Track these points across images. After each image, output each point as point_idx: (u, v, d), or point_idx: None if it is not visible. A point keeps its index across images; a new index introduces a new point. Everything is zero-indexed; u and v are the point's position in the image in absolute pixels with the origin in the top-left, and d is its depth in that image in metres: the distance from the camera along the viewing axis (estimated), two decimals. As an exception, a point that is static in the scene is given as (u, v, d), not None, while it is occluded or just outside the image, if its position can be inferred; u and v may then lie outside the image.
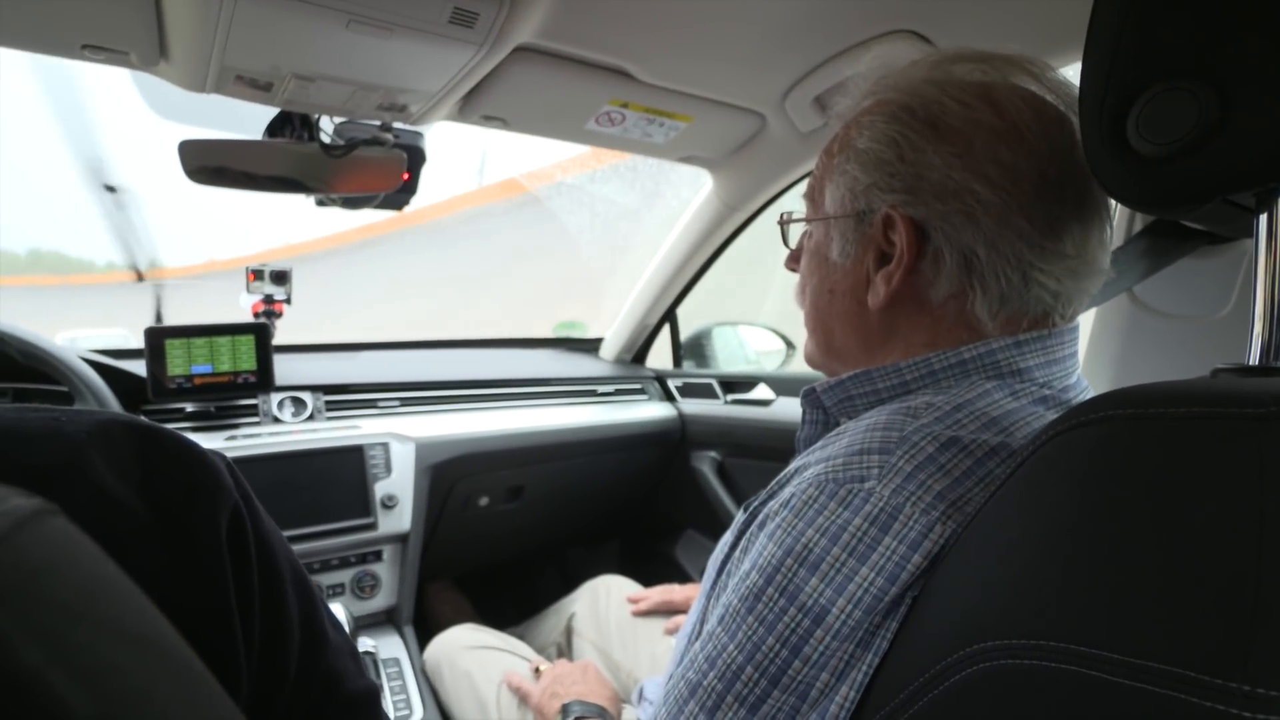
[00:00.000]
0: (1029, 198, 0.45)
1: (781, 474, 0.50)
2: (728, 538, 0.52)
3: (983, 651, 0.32)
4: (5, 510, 0.16)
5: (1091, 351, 0.83)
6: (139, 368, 1.20)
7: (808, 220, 0.59)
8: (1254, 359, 0.37)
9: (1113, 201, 0.47)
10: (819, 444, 0.49)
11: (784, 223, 0.63)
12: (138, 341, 1.23)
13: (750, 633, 0.41)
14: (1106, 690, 0.27)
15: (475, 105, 0.99)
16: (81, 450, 0.38)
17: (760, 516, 0.47)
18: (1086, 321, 0.83)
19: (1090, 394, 0.52)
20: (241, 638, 0.42)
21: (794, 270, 0.62)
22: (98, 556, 0.18)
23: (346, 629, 0.73)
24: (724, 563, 0.50)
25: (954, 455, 0.41)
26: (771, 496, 0.48)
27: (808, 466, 0.46)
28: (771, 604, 0.41)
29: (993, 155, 0.46)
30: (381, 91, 0.88)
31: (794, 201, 1.43)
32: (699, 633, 0.49)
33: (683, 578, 1.66)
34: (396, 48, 0.77)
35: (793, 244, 0.63)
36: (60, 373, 1.06)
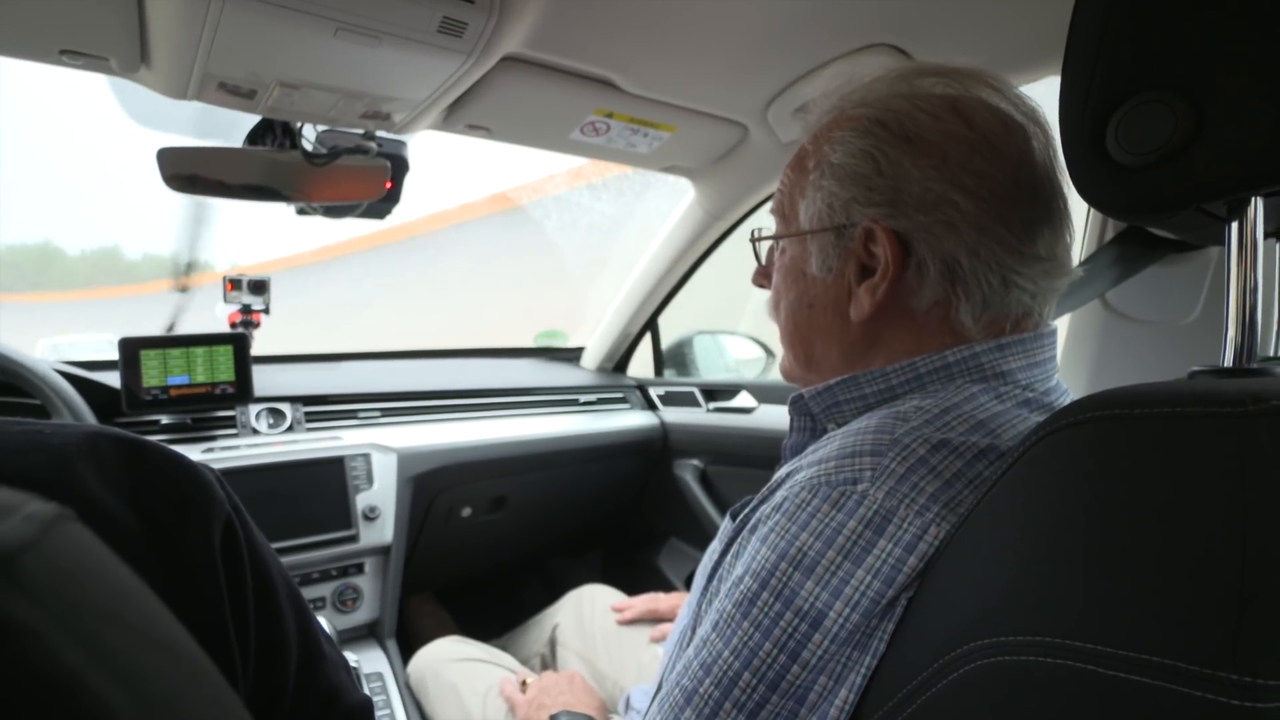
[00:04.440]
0: (1005, 205, 0.47)
1: (771, 480, 0.50)
2: (716, 545, 0.53)
3: (979, 649, 0.33)
4: (29, 514, 0.15)
5: (1067, 356, 0.85)
6: (114, 379, 1.17)
7: (781, 237, 0.59)
8: (1228, 361, 0.39)
9: (1085, 208, 0.49)
10: (809, 450, 0.50)
11: (756, 240, 0.63)
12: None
13: (746, 638, 0.42)
14: (1101, 683, 0.28)
15: (460, 114, 0.99)
16: (70, 462, 0.37)
17: (751, 521, 0.47)
18: (1062, 327, 0.86)
19: (1070, 397, 0.54)
20: (237, 651, 0.41)
21: (762, 286, 0.63)
22: (116, 561, 0.18)
23: (335, 642, 0.72)
24: (714, 569, 0.50)
25: (945, 457, 0.42)
26: (763, 501, 0.48)
27: (799, 471, 0.46)
28: (767, 609, 0.41)
29: (968, 165, 0.47)
30: (366, 100, 0.88)
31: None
32: (690, 639, 0.49)
33: (667, 586, 1.66)
34: (384, 56, 0.77)
35: (765, 259, 0.63)
36: (34, 385, 1.03)
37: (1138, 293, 0.79)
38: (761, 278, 0.63)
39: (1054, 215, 0.49)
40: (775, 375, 1.83)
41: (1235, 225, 0.38)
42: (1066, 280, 0.52)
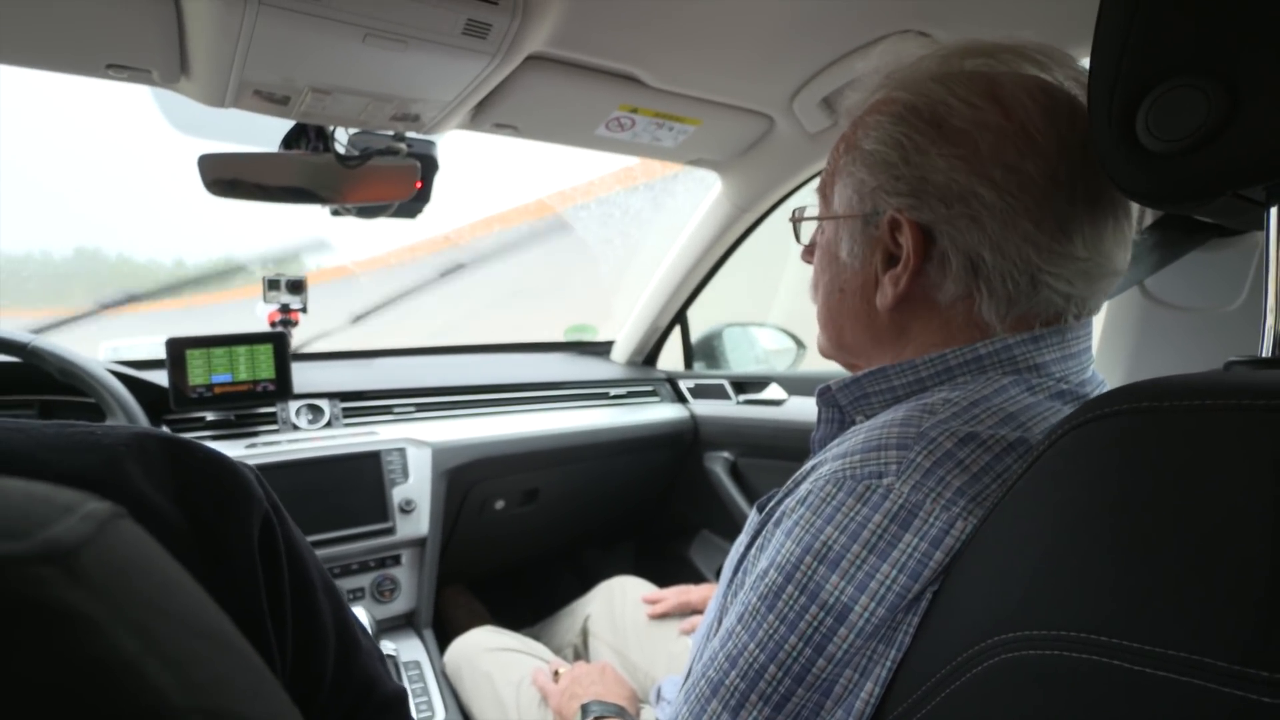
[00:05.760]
0: (1036, 200, 0.45)
1: (797, 473, 0.50)
2: (743, 538, 0.53)
3: (1004, 643, 0.33)
4: (87, 512, 0.17)
5: (1104, 345, 0.83)
6: (162, 378, 1.22)
7: (817, 219, 0.59)
8: (1266, 351, 0.37)
9: None
10: (835, 442, 0.50)
11: (796, 220, 0.63)
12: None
13: (772, 631, 0.42)
14: (1129, 679, 0.28)
15: (487, 114, 1.01)
16: (120, 462, 0.39)
17: (777, 514, 0.47)
18: (1098, 316, 0.83)
19: (1105, 388, 0.52)
20: (275, 644, 0.43)
21: (809, 262, 0.62)
22: (166, 556, 0.19)
23: (370, 633, 0.75)
24: (740, 561, 0.50)
25: (972, 451, 0.41)
26: (788, 494, 0.48)
27: (824, 463, 0.46)
28: (792, 602, 0.41)
29: (999, 157, 0.45)
30: (396, 102, 0.90)
31: (803, 200, 1.43)
32: (717, 631, 0.50)
33: (697, 578, 1.67)
34: (411, 59, 0.79)
35: (805, 238, 0.63)
36: (91, 387, 1.08)
37: (1178, 279, 0.77)
38: (807, 254, 0.63)
39: (1098, 209, 0.47)
40: (805, 367, 1.81)
41: (1275, 210, 0.37)
42: (1112, 281, 0.50)
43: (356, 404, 1.41)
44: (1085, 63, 0.41)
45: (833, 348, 0.59)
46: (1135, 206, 0.80)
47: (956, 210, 0.46)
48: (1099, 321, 0.83)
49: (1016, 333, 0.48)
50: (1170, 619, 0.28)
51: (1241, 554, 0.27)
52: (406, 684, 1.17)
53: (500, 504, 1.54)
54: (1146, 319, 0.79)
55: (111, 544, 0.17)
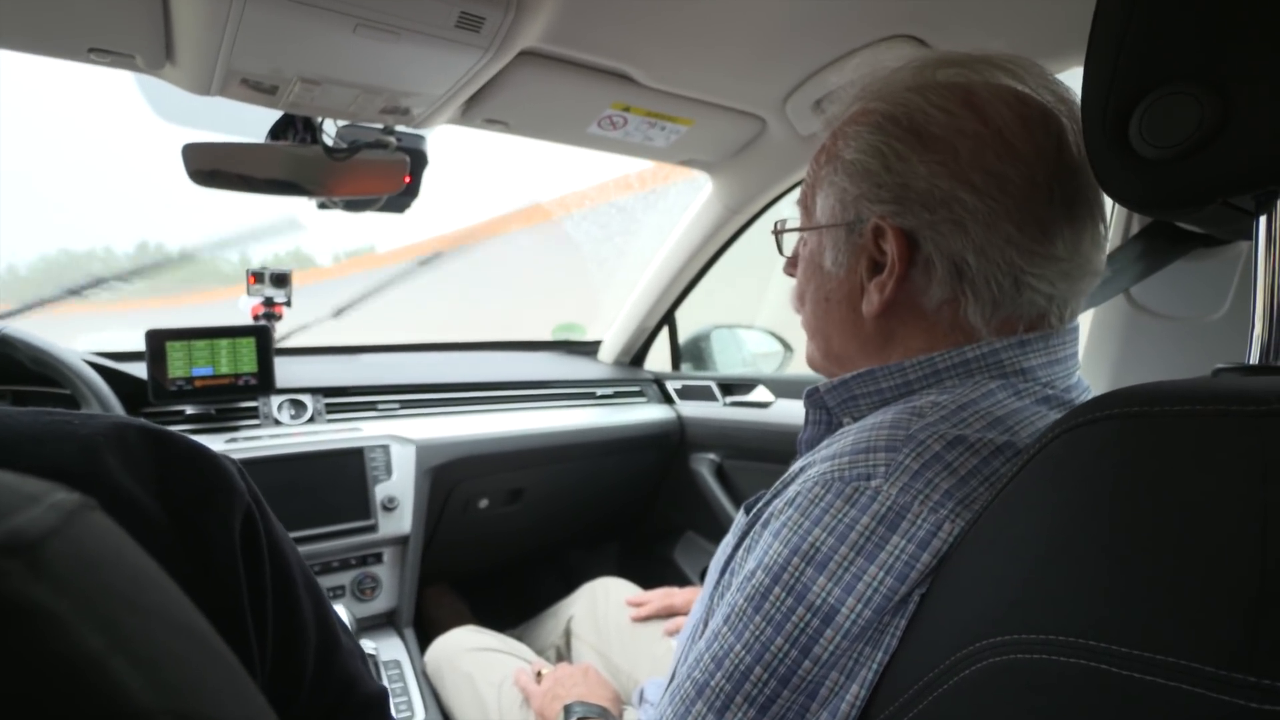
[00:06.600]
0: (1017, 203, 0.46)
1: (785, 474, 0.50)
2: (730, 539, 0.53)
3: (992, 647, 0.33)
4: (54, 503, 0.16)
5: (1090, 352, 0.84)
6: (141, 370, 1.20)
7: (799, 230, 0.59)
8: (1254, 358, 0.38)
9: (1110, 203, 0.48)
10: (823, 444, 0.50)
11: (778, 232, 0.63)
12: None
13: (758, 632, 0.42)
14: (1116, 683, 0.28)
15: (478, 109, 1.00)
16: (98, 452, 0.38)
17: (764, 516, 0.47)
18: (1085, 322, 0.84)
19: (1091, 394, 0.53)
20: (254, 640, 0.42)
21: (792, 275, 0.63)
22: (138, 550, 0.19)
23: (351, 631, 0.73)
24: (727, 563, 0.50)
25: (960, 454, 0.42)
26: (775, 496, 0.48)
27: (812, 465, 0.46)
28: (779, 603, 0.41)
29: (979, 163, 0.46)
30: (386, 95, 0.89)
31: (795, 203, 1.44)
32: (702, 633, 0.49)
33: (682, 580, 1.67)
34: (402, 52, 0.78)
35: (788, 250, 0.64)
36: (65, 377, 1.06)
37: (1164, 288, 0.78)
38: (790, 266, 0.63)
39: (1076, 211, 0.48)
40: (792, 369, 1.82)
41: (1264, 219, 0.37)
42: (1092, 281, 0.50)
43: (340, 400, 1.40)
44: (1071, 72, 0.42)
45: (821, 357, 0.59)
46: (1118, 215, 0.81)
47: (940, 215, 0.47)
48: (1085, 328, 0.84)
49: (1002, 336, 0.48)
50: (1159, 624, 0.28)
51: (1230, 559, 0.27)
52: (386, 683, 1.16)
53: (484, 503, 1.53)
54: (1132, 326, 0.80)
55: (79, 536, 0.16)
